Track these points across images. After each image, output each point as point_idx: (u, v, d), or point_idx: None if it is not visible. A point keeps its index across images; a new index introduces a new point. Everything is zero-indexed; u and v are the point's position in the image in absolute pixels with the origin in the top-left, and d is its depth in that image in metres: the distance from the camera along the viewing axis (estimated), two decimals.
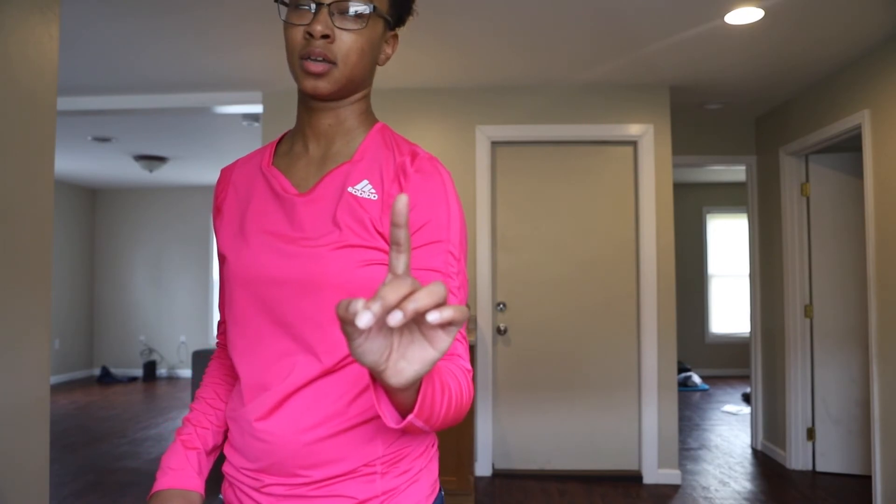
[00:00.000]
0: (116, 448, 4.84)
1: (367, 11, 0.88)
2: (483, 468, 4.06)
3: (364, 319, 0.53)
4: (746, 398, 6.54)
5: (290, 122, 4.22)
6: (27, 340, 1.93)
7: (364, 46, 0.90)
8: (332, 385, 0.87)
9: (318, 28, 0.85)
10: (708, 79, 3.93)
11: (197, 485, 0.98)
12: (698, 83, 4.01)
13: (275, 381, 0.89)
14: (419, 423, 0.70)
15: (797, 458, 4.25)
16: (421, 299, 0.54)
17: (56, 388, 7.52)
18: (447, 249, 0.87)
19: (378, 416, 0.87)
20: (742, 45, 3.36)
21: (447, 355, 0.83)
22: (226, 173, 1.03)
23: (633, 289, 4.12)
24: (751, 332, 4.83)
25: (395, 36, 0.98)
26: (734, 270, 8.23)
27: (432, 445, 0.97)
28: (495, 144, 4.20)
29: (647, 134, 4.07)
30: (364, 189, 0.89)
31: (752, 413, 4.83)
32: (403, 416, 0.71)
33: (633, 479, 4.00)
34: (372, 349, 0.58)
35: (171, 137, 5.74)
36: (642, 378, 4.02)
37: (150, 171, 6.58)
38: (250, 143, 5.92)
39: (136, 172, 7.46)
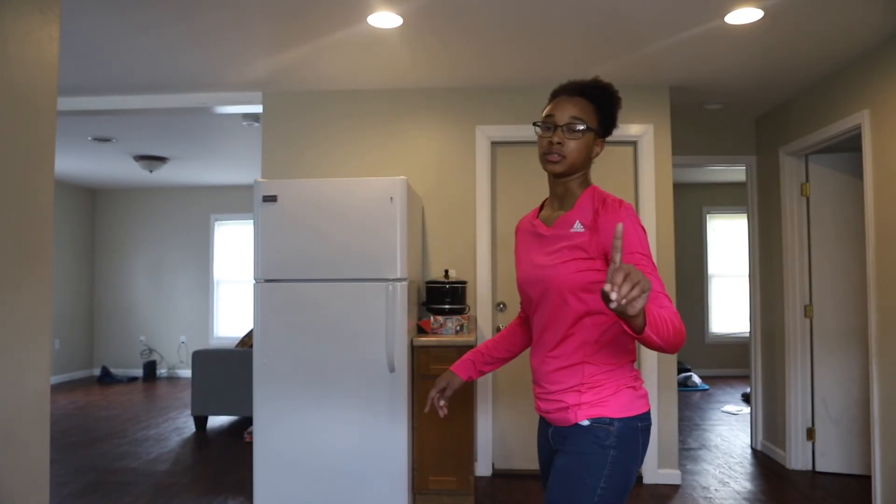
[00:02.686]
0: (116, 448, 4.84)
1: (583, 128, 1.54)
2: (483, 468, 4.06)
3: (613, 297, 1.07)
4: (746, 398, 6.54)
5: (289, 123, 4.22)
6: (27, 340, 1.93)
7: (581, 147, 1.55)
8: (561, 343, 1.54)
9: (555, 139, 1.55)
10: (708, 79, 3.93)
11: (460, 372, 1.80)
12: (698, 83, 4.02)
13: (541, 342, 1.61)
14: (653, 336, 1.22)
15: (797, 458, 4.25)
16: (624, 289, 1.06)
17: (56, 388, 7.52)
18: (636, 250, 1.43)
19: (580, 363, 1.52)
20: (742, 45, 3.36)
21: (664, 307, 1.34)
22: (518, 224, 1.78)
23: None
24: (750, 332, 4.83)
25: (603, 141, 1.61)
26: (734, 270, 8.23)
27: (620, 388, 1.51)
28: (495, 144, 4.20)
29: (647, 134, 4.07)
30: (577, 226, 1.53)
31: (751, 413, 4.83)
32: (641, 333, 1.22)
33: None
34: (616, 308, 1.10)
35: (171, 137, 5.74)
36: (642, 378, 4.01)
37: (150, 171, 6.58)
38: (250, 143, 5.92)
39: (136, 172, 7.46)
